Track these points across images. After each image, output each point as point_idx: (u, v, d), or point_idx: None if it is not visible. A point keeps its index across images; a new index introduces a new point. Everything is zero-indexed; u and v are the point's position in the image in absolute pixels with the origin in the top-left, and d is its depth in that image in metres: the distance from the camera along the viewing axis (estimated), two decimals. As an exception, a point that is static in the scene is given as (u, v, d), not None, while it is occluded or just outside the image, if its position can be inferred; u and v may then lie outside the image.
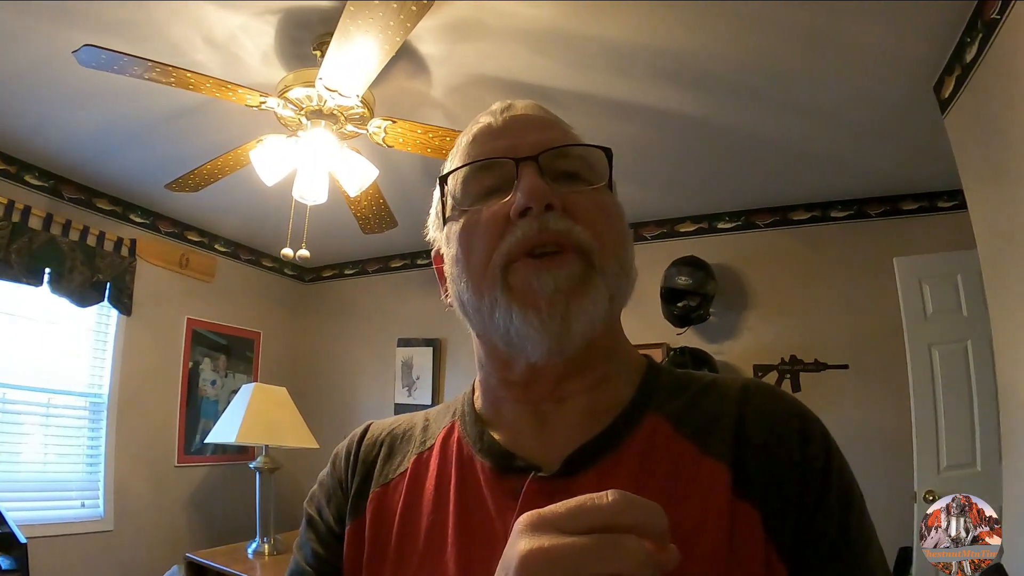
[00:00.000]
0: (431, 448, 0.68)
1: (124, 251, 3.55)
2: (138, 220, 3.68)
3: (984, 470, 2.62)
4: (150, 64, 1.87)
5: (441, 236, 0.68)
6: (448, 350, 4.38)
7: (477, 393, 0.70)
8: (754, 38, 2.18)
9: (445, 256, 0.67)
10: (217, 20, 2.09)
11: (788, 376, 3.41)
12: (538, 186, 0.57)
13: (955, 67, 2.20)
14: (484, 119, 0.67)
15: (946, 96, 2.31)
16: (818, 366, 3.37)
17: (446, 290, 0.69)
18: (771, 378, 3.43)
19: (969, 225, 2.27)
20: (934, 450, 2.75)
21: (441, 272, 0.70)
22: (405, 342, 4.47)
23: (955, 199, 2.31)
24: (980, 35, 1.98)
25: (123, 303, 3.53)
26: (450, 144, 2.25)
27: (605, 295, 0.58)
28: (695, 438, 0.58)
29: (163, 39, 2.15)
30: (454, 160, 0.68)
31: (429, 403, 4.27)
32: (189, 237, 4.01)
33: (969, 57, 2.08)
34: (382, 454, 0.70)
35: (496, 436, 0.64)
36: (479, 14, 2.06)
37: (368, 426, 0.75)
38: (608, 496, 0.38)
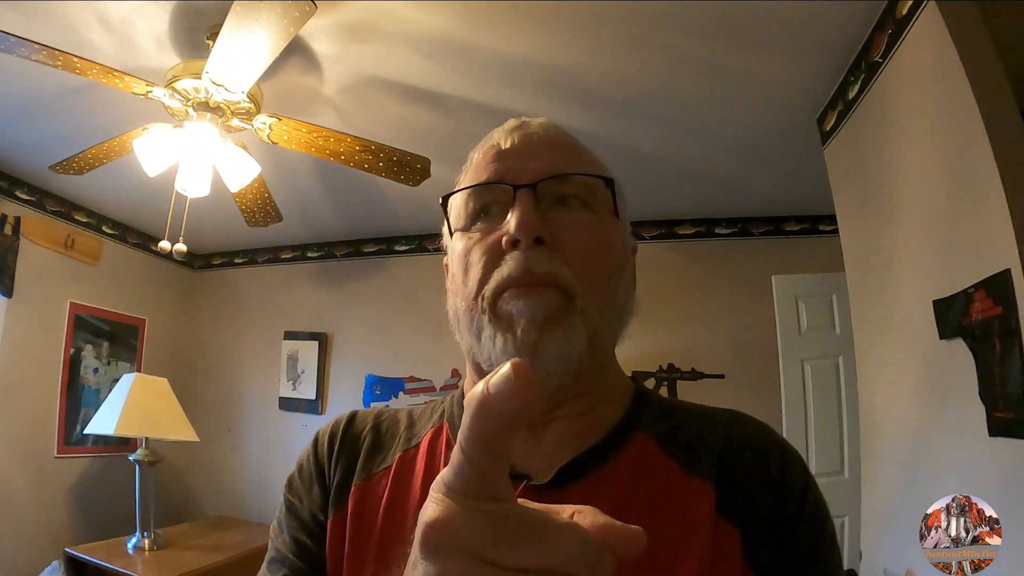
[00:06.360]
0: (417, 447, 0.68)
1: (8, 229, 3.35)
2: (24, 197, 3.48)
3: (851, 477, 2.78)
4: (37, 46, 1.81)
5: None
6: (334, 344, 4.35)
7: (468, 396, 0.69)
8: (643, 61, 2.26)
9: (449, 270, 0.69)
10: (112, 1, 2.02)
11: (665, 383, 3.54)
12: (527, 220, 0.58)
13: (838, 102, 2.33)
14: (495, 137, 0.67)
15: (828, 128, 2.45)
16: (695, 375, 3.52)
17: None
18: (649, 385, 3.51)
19: (848, 249, 2.41)
20: (803, 458, 2.91)
21: None
22: (292, 335, 4.42)
23: (836, 223, 2.48)
24: (863, 75, 2.11)
25: (4, 284, 3.33)
26: (334, 145, 2.26)
27: (583, 332, 0.58)
28: (681, 458, 0.61)
29: (57, 15, 2.07)
30: (464, 176, 0.68)
31: (314, 397, 4.26)
32: (76, 217, 3.82)
33: (852, 94, 2.21)
34: (366, 446, 0.70)
35: None
36: (373, 16, 2.06)
37: (354, 414, 0.75)
38: (573, 539, 0.30)
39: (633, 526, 0.32)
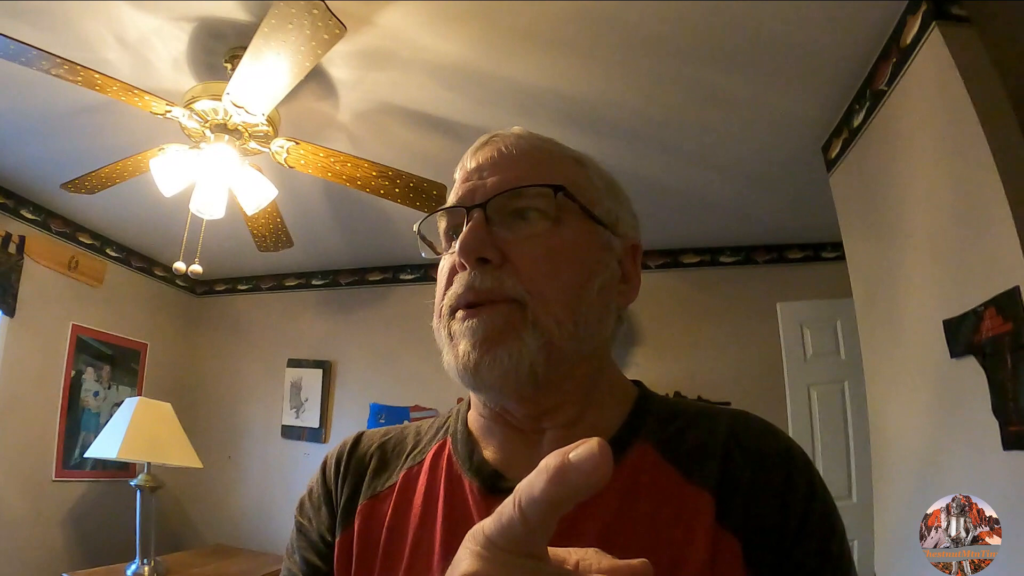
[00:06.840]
0: (421, 463, 0.68)
1: (12, 248, 3.35)
2: (29, 216, 3.47)
3: (859, 502, 2.79)
4: (59, 60, 1.81)
5: None
6: (338, 372, 4.33)
7: (472, 413, 0.71)
8: (651, 90, 2.31)
9: None
10: (131, 20, 2.03)
11: (672, 411, 3.53)
12: (467, 242, 0.59)
13: (843, 130, 2.38)
14: (465, 156, 0.68)
15: (833, 156, 2.49)
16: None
17: None
18: (655, 414, 3.54)
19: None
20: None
21: None
22: (295, 363, 4.40)
23: (838, 250, 2.48)
24: (868, 103, 2.16)
25: (7, 303, 3.31)
26: (351, 170, 2.28)
27: (533, 344, 0.58)
28: (681, 465, 0.60)
29: (74, 32, 2.08)
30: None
31: (317, 426, 4.23)
32: (80, 239, 3.81)
33: (856, 122, 2.25)
34: (372, 465, 0.70)
35: (487, 455, 0.64)
36: (392, 44, 2.10)
37: (360, 435, 0.75)
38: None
39: (636, 561, 0.34)
